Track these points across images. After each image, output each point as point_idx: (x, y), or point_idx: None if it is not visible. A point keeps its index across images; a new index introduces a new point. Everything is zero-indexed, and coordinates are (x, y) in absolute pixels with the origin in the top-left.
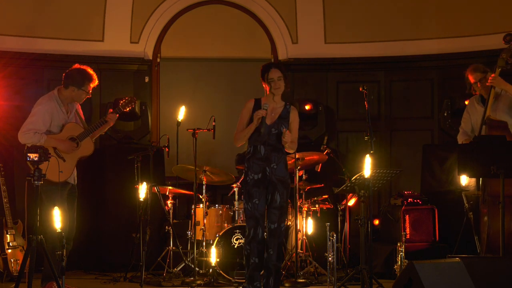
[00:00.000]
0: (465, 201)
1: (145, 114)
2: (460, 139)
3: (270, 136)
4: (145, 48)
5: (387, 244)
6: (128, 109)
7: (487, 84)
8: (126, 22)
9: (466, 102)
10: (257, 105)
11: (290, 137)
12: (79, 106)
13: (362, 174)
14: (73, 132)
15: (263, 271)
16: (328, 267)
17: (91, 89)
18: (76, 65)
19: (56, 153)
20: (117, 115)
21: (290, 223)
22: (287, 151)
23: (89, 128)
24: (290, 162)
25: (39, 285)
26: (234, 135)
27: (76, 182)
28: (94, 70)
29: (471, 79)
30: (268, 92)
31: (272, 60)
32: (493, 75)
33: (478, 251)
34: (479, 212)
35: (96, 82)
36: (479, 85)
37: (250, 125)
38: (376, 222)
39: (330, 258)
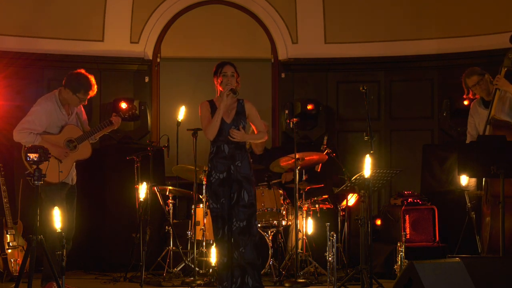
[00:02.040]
0: (467, 201)
1: (145, 114)
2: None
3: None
4: (145, 48)
5: (387, 244)
6: (127, 115)
7: (493, 85)
8: (126, 22)
9: (466, 102)
10: (213, 106)
11: (240, 135)
12: (82, 107)
13: (362, 174)
14: (72, 134)
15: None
16: (328, 267)
17: (86, 97)
18: (82, 70)
19: None
20: (120, 119)
21: (290, 223)
22: (258, 142)
23: (90, 131)
24: (290, 162)
25: (39, 285)
26: (204, 129)
27: (74, 182)
28: (94, 70)
29: (469, 82)
30: (219, 89)
31: (272, 60)
32: (498, 76)
33: (479, 251)
34: (481, 212)
35: (94, 93)
36: (478, 88)
37: (218, 109)
38: (378, 222)
39: (330, 258)
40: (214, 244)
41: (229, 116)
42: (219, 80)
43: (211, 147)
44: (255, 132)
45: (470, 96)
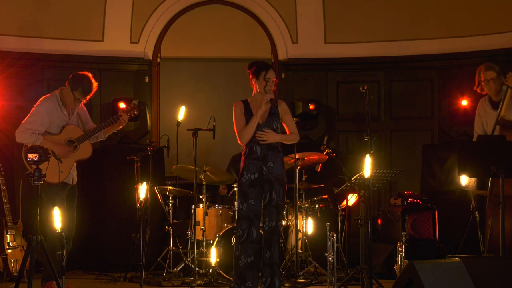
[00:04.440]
0: (472, 200)
1: (144, 114)
2: None
3: None
4: (145, 48)
5: (387, 244)
6: (133, 112)
7: (505, 83)
8: (126, 22)
9: (465, 102)
10: (246, 106)
11: (271, 136)
12: (85, 108)
13: (362, 174)
14: (73, 134)
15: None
16: (328, 267)
17: (81, 98)
18: (89, 74)
19: (53, 153)
20: (129, 116)
21: (290, 223)
22: (289, 143)
23: (92, 130)
24: (290, 162)
25: (39, 285)
26: (239, 134)
27: (75, 182)
28: (94, 70)
29: (484, 76)
30: (257, 90)
31: (272, 60)
32: (510, 73)
33: (481, 250)
34: (485, 211)
35: (89, 95)
36: (490, 85)
37: (255, 116)
38: (379, 222)
39: (330, 258)
40: (214, 244)
41: (261, 117)
42: (260, 83)
43: (244, 148)
44: (287, 133)
45: (478, 90)
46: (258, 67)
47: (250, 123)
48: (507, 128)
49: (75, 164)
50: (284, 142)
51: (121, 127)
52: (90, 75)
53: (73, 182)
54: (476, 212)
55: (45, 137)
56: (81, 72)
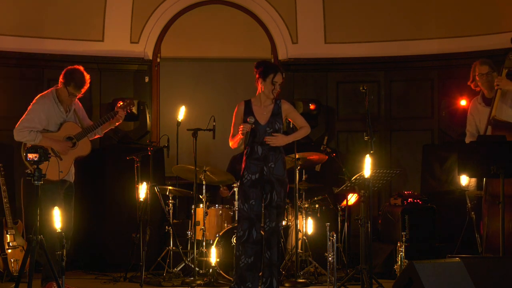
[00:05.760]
0: (467, 201)
1: (143, 114)
2: (468, 141)
3: (266, 135)
4: (145, 48)
5: (387, 244)
6: (128, 108)
7: (495, 86)
8: (126, 22)
9: (464, 102)
10: (248, 107)
11: (279, 139)
12: (80, 105)
13: (362, 174)
14: (71, 131)
15: (261, 272)
16: (328, 267)
17: (76, 93)
18: (80, 67)
19: (53, 151)
20: (125, 112)
21: (290, 223)
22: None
23: (90, 126)
24: (290, 162)
25: (39, 285)
26: (230, 138)
27: (73, 179)
28: (94, 70)
29: (479, 70)
30: (262, 91)
31: (272, 60)
32: (499, 77)
33: (479, 251)
34: (481, 212)
35: (82, 91)
36: (484, 79)
37: (239, 134)
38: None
39: (330, 258)
40: (214, 244)
41: (263, 118)
42: (267, 85)
43: (245, 148)
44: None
45: (472, 86)
46: (266, 69)
47: (236, 136)
48: (499, 128)
49: (73, 161)
50: (297, 139)
51: (118, 123)
52: (81, 68)
53: (72, 179)
54: (473, 213)
55: (44, 134)
56: (72, 67)
